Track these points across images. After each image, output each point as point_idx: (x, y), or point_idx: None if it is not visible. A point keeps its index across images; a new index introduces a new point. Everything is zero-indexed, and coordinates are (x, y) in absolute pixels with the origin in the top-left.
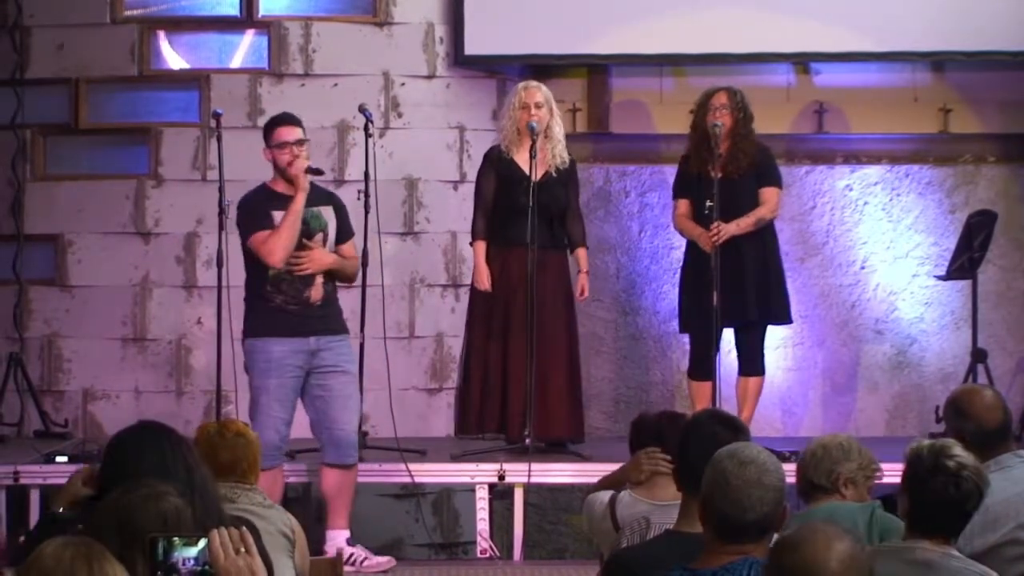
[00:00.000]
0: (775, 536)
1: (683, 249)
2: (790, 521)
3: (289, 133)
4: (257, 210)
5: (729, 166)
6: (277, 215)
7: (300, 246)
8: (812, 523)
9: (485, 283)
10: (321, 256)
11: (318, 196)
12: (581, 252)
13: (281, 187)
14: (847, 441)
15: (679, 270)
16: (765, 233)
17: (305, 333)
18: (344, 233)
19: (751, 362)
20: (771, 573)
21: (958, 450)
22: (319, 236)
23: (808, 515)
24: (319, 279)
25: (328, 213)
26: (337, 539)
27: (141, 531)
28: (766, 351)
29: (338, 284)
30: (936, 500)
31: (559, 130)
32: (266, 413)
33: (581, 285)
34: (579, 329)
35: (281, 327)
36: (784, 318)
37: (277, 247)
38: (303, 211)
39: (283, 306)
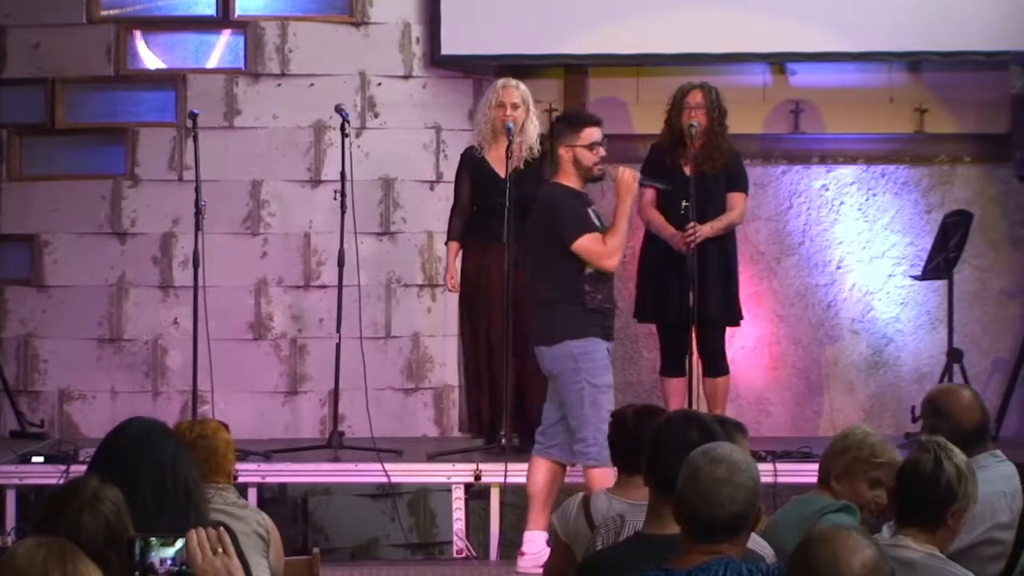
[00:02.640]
0: (754, 536)
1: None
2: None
3: (599, 133)
4: (582, 212)
5: (705, 164)
6: (591, 214)
7: None
8: (832, 529)
9: (451, 285)
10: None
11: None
12: None
13: (577, 185)
14: (853, 434)
15: (638, 258)
16: (727, 236)
17: (610, 338)
18: None
19: (716, 363)
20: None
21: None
22: None
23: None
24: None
25: None
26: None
27: (88, 544)
28: (743, 350)
29: None
30: (918, 477)
31: (533, 129)
32: (609, 409)
33: None
34: None
35: (604, 328)
36: (738, 318)
37: (617, 251)
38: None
39: (600, 306)
